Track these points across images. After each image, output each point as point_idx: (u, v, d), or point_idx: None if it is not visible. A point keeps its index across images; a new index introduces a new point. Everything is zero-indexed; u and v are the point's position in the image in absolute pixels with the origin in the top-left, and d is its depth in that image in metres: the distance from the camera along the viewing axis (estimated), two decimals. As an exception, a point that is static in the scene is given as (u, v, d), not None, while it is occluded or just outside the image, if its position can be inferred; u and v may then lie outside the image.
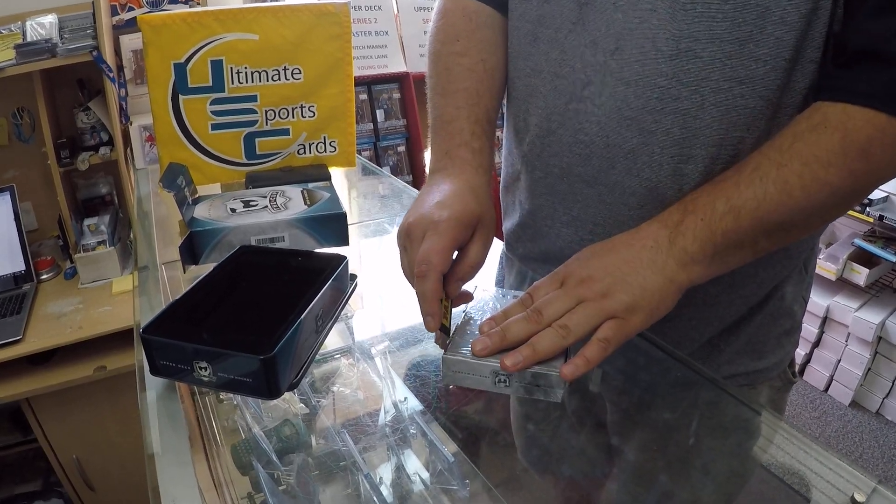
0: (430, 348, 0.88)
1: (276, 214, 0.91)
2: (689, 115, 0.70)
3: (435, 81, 0.86)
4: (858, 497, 0.59)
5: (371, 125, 2.73)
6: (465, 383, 0.65)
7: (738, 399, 0.74)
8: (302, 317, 0.64)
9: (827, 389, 2.91)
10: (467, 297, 0.74)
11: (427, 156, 2.82)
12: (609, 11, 0.71)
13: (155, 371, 0.64)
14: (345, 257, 0.77)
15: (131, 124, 2.00)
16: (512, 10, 0.83)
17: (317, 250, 0.83)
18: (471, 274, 0.70)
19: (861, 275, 2.71)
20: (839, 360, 2.85)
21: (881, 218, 2.65)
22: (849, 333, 2.78)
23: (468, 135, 0.79)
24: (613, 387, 0.89)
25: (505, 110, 0.92)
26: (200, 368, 0.61)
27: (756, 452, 0.72)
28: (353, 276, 0.82)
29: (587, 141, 0.76)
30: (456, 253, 0.69)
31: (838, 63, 0.66)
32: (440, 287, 0.66)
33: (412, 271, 0.68)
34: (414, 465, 0.81)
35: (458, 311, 0.72)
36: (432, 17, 0.90)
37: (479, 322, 0.68)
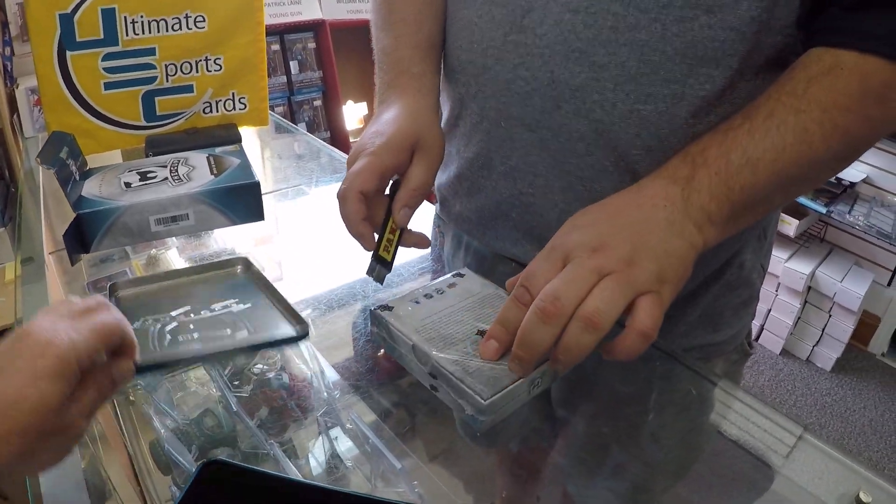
0: (358, 317, 0.82)
1: (177, 188, 0.80)
2: (648, 46, 0.63)
3: (376, 17, 0.82)
4: (864, 497, 0.54)
5: (284, 78, 2.64)
6: (504, 414, 0.57)
7: (690, 368, 0.71)
8: None
9: (758, 338, 2.98)
10: (422, 240, 0.71)
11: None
12: None
13: None
14: None
15: (17, 87, 1.84)
16: None
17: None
18: (414, 198, 0.68)
19: (791, 226, 2.76)
20: (769, 310, 2.92)
21: (811, 168, 2.67)
22: (779, 283, 2.84)
23: (407, 62, 0.76)
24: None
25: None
26: None
27: (709, 422, 0.69)
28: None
29: (528, 77, 0.69)
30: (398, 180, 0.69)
31: (845, 6, 0.60)
32: (361, 207, 0.65)
33: (340, 190, 0.67)
34: (348, 450, 0.74)
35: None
36: None
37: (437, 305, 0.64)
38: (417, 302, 0.64)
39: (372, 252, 0.67)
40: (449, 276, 0.70)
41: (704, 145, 0.60)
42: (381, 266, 0.67)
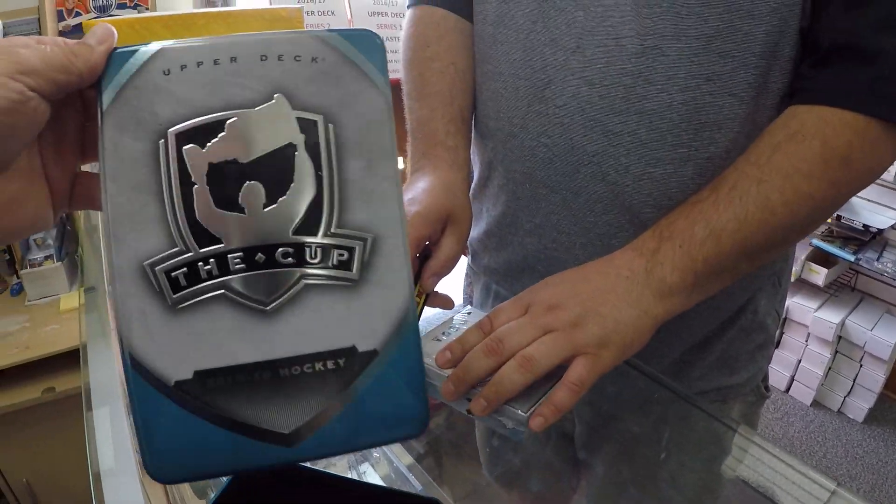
0: None
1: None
2: (656, 115, 0.67)
3: (410, 87, 0.85)
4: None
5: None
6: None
7: (707, 413, 0.72)
8: None
9: (788, 390, 2.94)
10: (447, 302, 0.73)
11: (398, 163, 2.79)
12: (570, 9, 0.69)
13: None
14: None
15: (78, 134, 1.94)
16: (475, 13, 0.81)
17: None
18: (445, 267, 0.70)
19: (819, 275, 2.73)
20: (800, 361, 2.88)
21: (838, 218, 2.67)
22: (808, 333, 2.80)
23: (443, 134, 0.79)
24: (582, 401, 0.86)
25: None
26: None
27: (727, 466, 0.70)
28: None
29: (550, 144, 0.73)
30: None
31: (811, 63, 0.63)
32: None
33: None
34: (375, 481, 0.77)
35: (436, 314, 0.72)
36: (403, 27, 0.90)
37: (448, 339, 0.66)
38: (439, 339, 0.67)
39: None
40: (460, 314, 0.73)
41: (673, 218, 0.63)
42: None
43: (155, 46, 0.38)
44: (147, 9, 2.16)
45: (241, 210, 0.39)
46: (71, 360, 1.77)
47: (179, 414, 0.38)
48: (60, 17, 2.07)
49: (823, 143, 0.59)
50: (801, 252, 2.79)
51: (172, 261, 0.38)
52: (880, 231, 2.65)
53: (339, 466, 0.78)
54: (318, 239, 0.40)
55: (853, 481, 2.44)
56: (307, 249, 0.40)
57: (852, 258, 2.62)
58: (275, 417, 0.40)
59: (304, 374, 0.40)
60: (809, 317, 2.75)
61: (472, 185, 0.91)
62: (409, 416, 0.43)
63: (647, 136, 0.68)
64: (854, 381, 2.77)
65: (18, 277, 2.04)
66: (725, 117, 0.66)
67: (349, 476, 0.78)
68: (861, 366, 2.73)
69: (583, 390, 0.57)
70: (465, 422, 0.99)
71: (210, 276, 0.38)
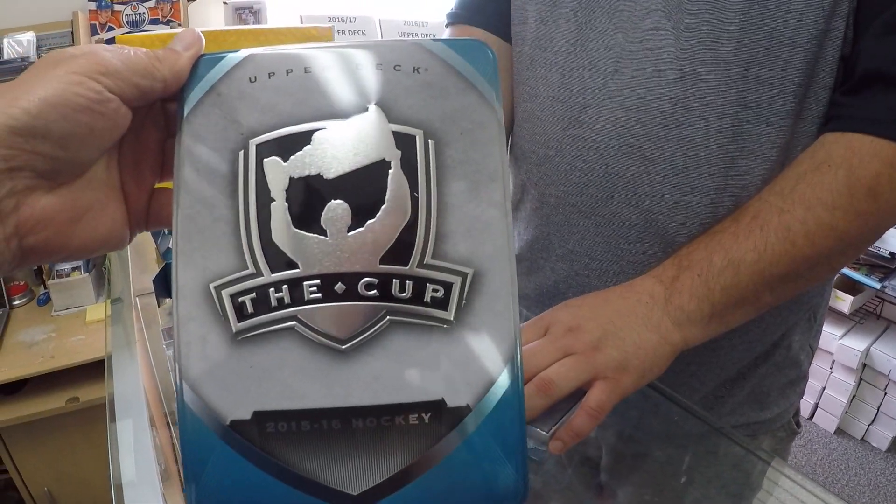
0: None
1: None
2: (694, 142, 0.66)
3: None
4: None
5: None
6: None
7: (740, 444, 0.71)
8: None
9: (812, 417, 2.90)
10: None
11: None
12: (609, 32, 0.68)
13: None
14: None
15: (109, 147, 1.97)
16: (513, 34, 0.81)
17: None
18: None
19: (845, 302, 2.70)
20: (824, 388, 2.84)
21: (865, 245, 2.64)
22: (833, 361, 2.77)
23: None
24: (611, 430, 0.85)
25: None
26: None
27: (751, 496, 0.69)
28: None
29: (585, 168, 0.73)
30: None
31: (844, 90, 0.63)
32: None
33: None
34: None
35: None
36: None
37: None
38: None
39: None
40: None
41: (693, 248, 0.63)
42: None
43: (243, 53, 0.36)
44: (179, 24, 2.19)
45: (323, 232, 0.34)
46: (95, 370, 1.79)
47: (232, 457, 0.34)
48: (94, 31, 2.11)
49: (849, 173, 0.58)
50: (827, 278, 2.76)
51: (241, 284, 0.34)
52: (906, 258, 2.61)
53: None
54: (410, 270, 0.34)
55: (876, 512, 2.40)
56: (396, 282, 0.34)
57: (878, 286, 2.59)
58: (342, 475, 0.34)
59: (382, 428, 0.34)
60: (834, 344, 2.71)
61: None
62: (503, 486, 0.35)
63: (683, 164, 0.67)
64: (878, 409, 2.72)
65: (45, 288, 2.07)
66: (763, 146, 0.65)
67: None
68: (885, 394, 2.69)
69: (602, 416, 0.56)
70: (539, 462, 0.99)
71: (281, 304, 0.34)
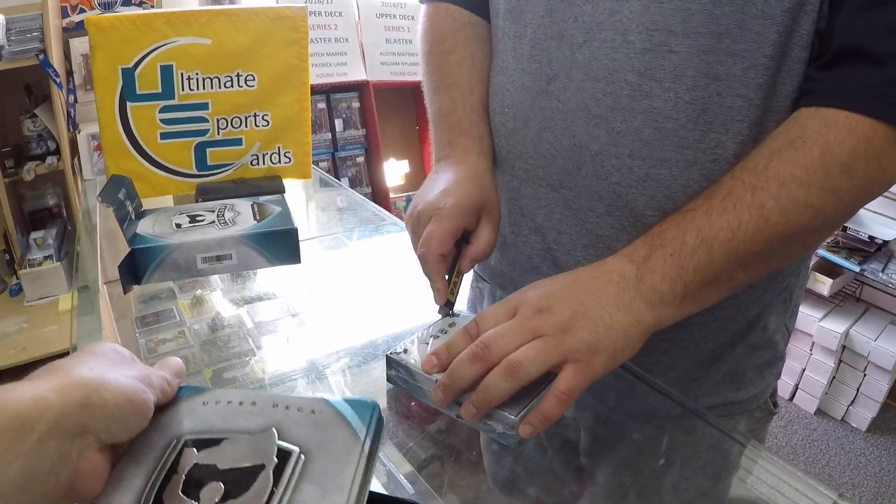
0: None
1: (223, 230, 0.85)
2: (662, 114, 0.65)
3: (429, 79, 0.86)
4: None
5: (329, 135, 2.69)
6: (413, 392, 0.63)
7: (716, 427, 0.71)
8: None
9: (792, 398, 2.92)
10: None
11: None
12: (578, 3, 0.67)
13: None
14: None
15: (79, 132, 1.93)
16: (490, 8, 0.81)
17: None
18: (484, 253, 0.73)
19: (825, 285, 2.72)
20: (804, 370, 2.86)
21: (844, 229, 2.66)
22: (813, 343, 2.79)
23: (467, 124, 0.80)
24: (588, 412, 0.85)
25: None
26: None
27: (729, 476, 0.69)
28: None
29: (552, 140, 0.72)
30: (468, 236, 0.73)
31: (820, 65, 0.62)
32: (442, 267, 0.69)
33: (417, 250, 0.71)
34: (376, 489, 0.76)
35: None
36: (419, 23, 0.91)
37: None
38: (427, 343, 0.68)
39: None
40: (452, 318, 0.73)
41: (665, 226, 0.62)
42: (447, 307, 0.72)
43: (208, 390, 0.52)
44: (151, 6, 2.14)
45: (197, 499, 0.43)
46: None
47: None
48: (64, 13, 2.06)
49: (824, 149, 0.57)
50: (807, 260, 2.77)
51: None
52: (886, 242, 2.65)
53: None
54: None
55: (855, 489, 2.42)
56: None
57: (857, 269, 2.62)
58: None
59: None
60: (814, 326, 2.74)
61: None
62: None
63: (651, 136, 0.66)
64: (858, 390, 2.76)
65: (17, 278, 2.03)
66: (733, 119, 0.64)
67: None
68: (865, 375, 2.72)
69: (572, 399, 0.56)
70: (468, 428, 0.98)
71: None
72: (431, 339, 0.68)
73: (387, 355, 0.68)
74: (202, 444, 0.47)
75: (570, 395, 0.56)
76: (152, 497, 0.44)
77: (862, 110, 0.57)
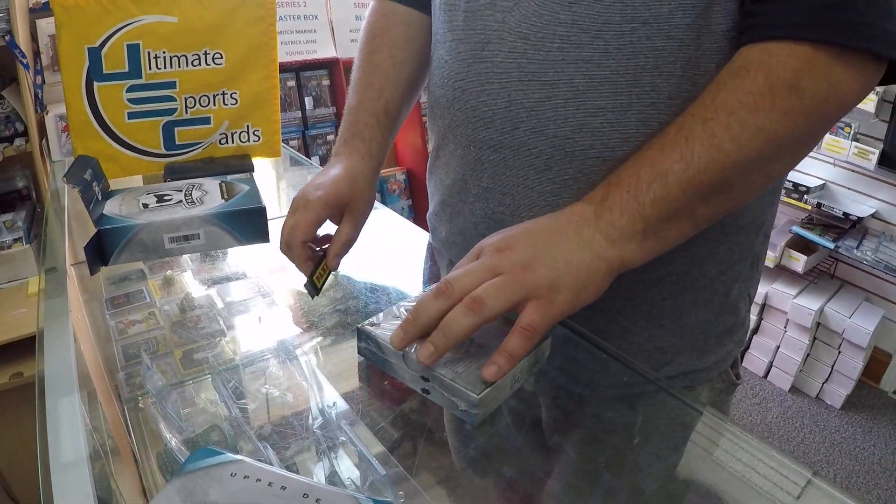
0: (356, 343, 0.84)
1: (190, 210, 0.84)
2: (593, 62, 0.66)
3: (353, 77, 0.90)
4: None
5: (299, 113, 2.67)
6: (492, 408, 0.61)
7: (677, 397, 0.72)
8: None
9: (766, 376, 2.95)
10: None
11: None
12: None
13: None
14: None
15: (47, 113, 1.89)
16: None
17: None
18: (344, 248, 0.80)
19: (799, 262, 2.74)
20: (778, 347, 2.89)
21: (819, 205, 2.69)
22: (787, 320, 2.82)
23: (363, 125, 0.85)
24: (548, 385, 0.85)
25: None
26: None
27: (701, 451, 0.69)
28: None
29: (489, 102, 0.74)
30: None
31: None
32: (304, 252, 0.77)
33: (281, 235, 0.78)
34: (347, 470, 0.76)
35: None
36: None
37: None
38: (399, 318, 0.68)
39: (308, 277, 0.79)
40: (425, 291, 0.74)
41: (620, 169, 0.64)
42: (312, 288, 0.79)
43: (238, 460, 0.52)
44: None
45: None
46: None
47: None
48: (30, -8, 2.02)
49: (767, 73, 0.58)
50: (781, 238, 2.81)
51: None
52: (860, 219, 2.67)
53: (310, 454, 0.77)
54: None
55: (830, 467, 2.45)
56: None
57: (832, 246, 2.64)
58: None
59: None
60: (788, 303, 2.76)
61: (429, 158, 0.93)
62: None
63: (584, 85, 0.67)
64: (832, 367, 2.79)
65: (-13, 260, 2.00)
66: (665, 61, 0.65)
67: (318, 464, 0.76)
68: (839, 353, 2.75)
69: (536, 336, 0.57)
70: (439, 407, 0.98)
71: None
72: (405, 311, 0.68)
73: (357, 327, 0.68)
74: None
75: (533, 331, 0.57)
76: None
77: (799, 36, 0.58)
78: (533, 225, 0.63)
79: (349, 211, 0.80)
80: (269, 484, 0.50)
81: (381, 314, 0.69)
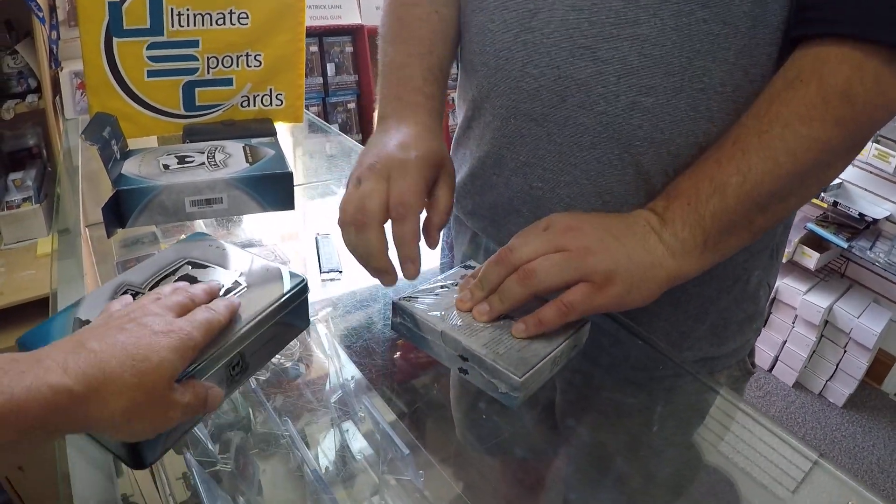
0: (375, 314, 0.84)
1: (214, 173, 0.82)
2: (649, 41, 0.65)
3: (387, 31, 0.84)
4: (854, 506, 0.56)
5: (321, 79, 2.64)
6: (532, 390, 0.60)
7: (696, 377, 0.73)
8: None
9: (772, 369, 2.95)
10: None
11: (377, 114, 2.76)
12: None
13: None
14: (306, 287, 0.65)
15: (62, 70, 1.87)
16: None
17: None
18: (445, 220, 0.69)
19: (811, 258, 2.73)
20: (785, 342, 2.89)
21: (835, 204, 2.67)
22: (796, 315, 2.81)
23: (420, 80, 0.78)
24: (565, 367, 0.83)
25: (459, 60, 0.87)
26: None
27: (711, 433, 0.69)
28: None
29: (536, 74, 0.71)
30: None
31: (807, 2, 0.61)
32: (418, 229, 0.64)
33: (359, 208, 0.63)
34: (358, 443, 0.76)
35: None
36: None
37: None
38: (436, 294, 0.66)
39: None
40: (459, 268, 0.73)
41: (679, 180, 0.65)
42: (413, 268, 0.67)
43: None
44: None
45: None
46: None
47: None
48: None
49: (820, 82, 0.58)
50: (795, 234, 2.79)
51: None
52: (875, 221, 2.66)
53: (322, 424, 0.77)
54: None
55: (829, 464, 2.45)
56: None
57: (845, 245, 2.63)
58: None
59: None
60: (798, 299, 2.76)
61: (457, 128, 0.89)
62: None
63: (638, 63, 0.66)
64: (837, 366, 2.79)
65: (-6, 219, 1.98)
66: (720, 47, 0.64)
67: (332, 428, 0.77)
68: (845, 352, 2.75)
69: (571, 314, 0.59)
70: (456, 383, 0.97)
71: None
72: (441, 289, 0.67)
73: (393, 301, 0.66)
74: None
75: (570, 308, 0.58)
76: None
77: (854, 33, 0.57)
78: (604, 217, 0.64)
79: (444, 173, 0.70)
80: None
81: (415, 290, 0.67)
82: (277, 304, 0.61)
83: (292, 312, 0.64)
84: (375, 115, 0.80)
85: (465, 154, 0.87)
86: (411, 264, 0.64)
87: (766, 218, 0.63)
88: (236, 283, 0.62)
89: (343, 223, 0.65)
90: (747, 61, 0.65)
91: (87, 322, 0.56)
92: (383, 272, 0.64)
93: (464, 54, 0.83)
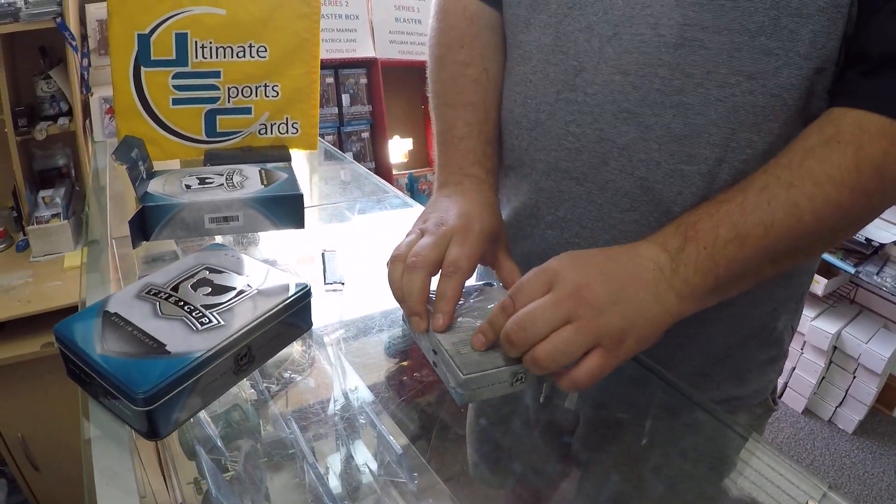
0: (384, 337, 0.86)
1: (231, 193, 0.88)
2: (693, 110, 0.64)
3: (440, 89, 0.85)
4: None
5: (336, 109, 2.72)
6: (484, 396, 0.61)
7: (718, 419, 0.71)
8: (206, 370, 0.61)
9: (781, 396, 2.94)
10: None
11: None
12: None
13: (69, 373, 0.66)
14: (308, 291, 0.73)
15: (92, 95, 1.95)
16: None
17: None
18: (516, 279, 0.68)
19: (819, 284, 2.74)
20: (794, 368, 2.89)
21: (842, 229, 2.66)
22: (805, 342, 2.82)
23: (480, 154, 0.80)
24: (589, 403, 0.84)
25: None
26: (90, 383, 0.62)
27: (731, 476, 0.69)
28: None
29: (578, 133, 0.71)
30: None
31: (861, 70, 0.61)
32: (461, 292, 0.66)
33: (416, 253, 0.66)
34: (363, 455, 0.79)
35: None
36: (432, 12, 0.88)
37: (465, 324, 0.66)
38: (455, 320, 0.67)
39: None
40: (480, 283, 0.74)
41: (698, 216, 0.62)
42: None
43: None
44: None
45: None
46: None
47: None
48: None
49: (858, 149, 0.57)
50: (803, 261, 2.78)
51: None
52: (882, 246, 2.66)
53: (328, 440, 0.80)
54: None
55: (839, 490, 2.44)
56: None
57: (852, 270, 2.63)
58: None
59: None
60: (807, 325, 2.76)
61: None
62: None
63: (681, 131, 0.65)
64: (846, 392, 2.78)
65: (25, 234, 2.06)
66: (766, 118, 0.63)
67: (339, 449, 0.79)
68: (854, 377, 2.74)
69: (593, 383, 0.56)
70: (455, 403, 1.00)
71: None
72: (459, 317, 0.67)
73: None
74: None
75: (592, 379, 0.56)
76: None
77: (888, 112, 0.57)
78: (609, 262, 0.61)
79: (501, 249, 0.73)
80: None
81: (455, 350, 0.67)
82: (282, 304, 0.68)
83: (296, 314, 0.71)
84: (435, 178, 0.82)
85: (500, 200, 0.86)
86: (444, 317, 0.65)
87: (775, 269, 0.62)
88: (248, 286, 0.70)
89: (395, 259, 0.68)
90: (792, 131, 0.64)
91: (115, 315, 0.65)
92: (416, 315, 0.65)
93: (504, 104, 0.83)
